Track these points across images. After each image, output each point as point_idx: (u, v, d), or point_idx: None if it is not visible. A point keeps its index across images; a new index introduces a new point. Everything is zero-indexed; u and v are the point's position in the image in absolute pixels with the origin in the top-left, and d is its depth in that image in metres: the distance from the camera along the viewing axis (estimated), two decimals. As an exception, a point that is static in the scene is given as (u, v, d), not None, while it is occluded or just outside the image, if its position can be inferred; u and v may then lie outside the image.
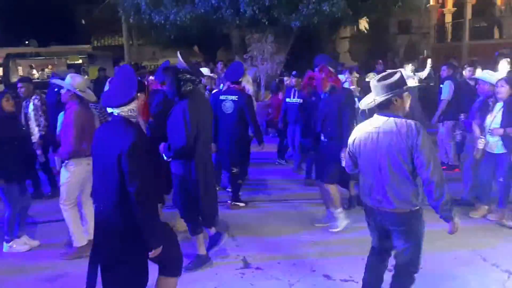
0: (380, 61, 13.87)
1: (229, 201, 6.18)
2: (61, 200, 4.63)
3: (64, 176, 4.58)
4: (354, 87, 6.06)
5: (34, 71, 22.39)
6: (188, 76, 4.05)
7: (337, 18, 11.78)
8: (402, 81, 3.19)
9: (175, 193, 4.35)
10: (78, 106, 4.51)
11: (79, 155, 4.48)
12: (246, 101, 5.81)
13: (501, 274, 4.20)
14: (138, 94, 2.86)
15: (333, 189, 5.26)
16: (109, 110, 2.90)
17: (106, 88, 5.47)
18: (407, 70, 9.93)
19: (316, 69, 5.24)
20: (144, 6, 12.21)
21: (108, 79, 6.77)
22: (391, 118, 3.12)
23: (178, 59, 4.21)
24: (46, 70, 23.01)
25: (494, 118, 5.24)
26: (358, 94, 5.97)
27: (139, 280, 3.00)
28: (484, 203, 5.59)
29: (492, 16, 19.33)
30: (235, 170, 6.01)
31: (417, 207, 3.14)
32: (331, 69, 5.16)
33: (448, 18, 21.45)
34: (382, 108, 3.19)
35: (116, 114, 2.87)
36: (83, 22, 27.71)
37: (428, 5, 22.00)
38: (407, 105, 3.23)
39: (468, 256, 4.55)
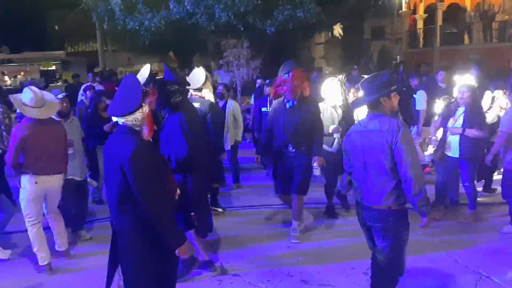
0: (356, 66, 14.08)
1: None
2: (24, 215, 4.49)
3: (20, 192, 4.44)
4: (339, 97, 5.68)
5: (6, 78, 21.96)
6: (176, 87, 4.04)
7: (311, 24, 11.92)
8: (389, 81, 3.29)
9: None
10: (29, 120, 4.34)
11: (25, 172, 4.33)
12: (209, 108, 5.67)
13: (473, 275, 4.29)
14: (143, 104, 2.83)
15: (301, 201, 5.20)
16: (114, 119, 2.90)
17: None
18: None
19: (287, 75, 4.97)
20: (118, 12, 12.13)
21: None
22: (377, 118, 3.23)
23: (165, 70, 4.20)
24: (19, 76, 22.61)
25: (456, 122, 5.44)
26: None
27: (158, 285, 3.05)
28: (440, 203, 5.78)
29: (462, 22, 19.80)
30: None
31: (398, 206, 3.20)
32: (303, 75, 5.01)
33: (420, 24, 21.89)
34: (371, 108, 3.28)
35: (121, 124, 2.87)
36: (57, 28, 27.28)
37: (401, 11, 22.42)
38: (395, 104, 3.31)
39: (441, 258, 4.62)
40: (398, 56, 23.87)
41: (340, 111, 5.59)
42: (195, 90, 5.77)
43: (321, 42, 28.94)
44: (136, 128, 2.86)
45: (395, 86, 3.30)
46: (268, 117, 5.39)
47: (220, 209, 6.15)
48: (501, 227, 5.35)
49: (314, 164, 4.99)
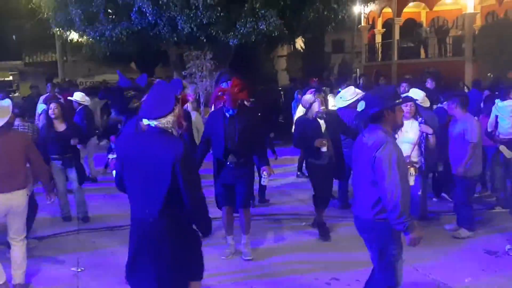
0: (314, 79, 14.34)
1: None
2: None
3: None
4: (323, 108, 5.39)
5: (-40, 88, 21.14)
6: (133, 92, 4.05)
7: (274, 36, 12.08)
8: (394, 94, 3.31)
9: None
10: None
11: None
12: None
13: (432, 284, 4.46)
14: (175, 107, 2.94)
15: (249, 214, 5.10)
16: (146, 122, 2.96)
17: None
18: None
19: (226, 84, 4.79)
20: (78, 22, 11.94)
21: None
22: (374, 131, 3.24)
23: (119, 77, 4.19)
24: (-26, 87, 21.82)
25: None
26: (324, 116, 5.47)
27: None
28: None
29: (418, 37, 20.52)
30: None
31: (382, 218, 3.19)
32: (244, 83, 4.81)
33: (378, 39, 22.54)
34: (373, 120, 3.26)
35: (153, 126, 2.92)
36: (14, 38, 26.53)
37: (360, 26, 23.03)
38: (399, 119, 3.32)
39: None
40: (358, 69, 24.47)
41: (323, 122, 5.44)
42: None
43: (284, 54, 29.35)
44: (168, 130, 2.95)
45: (399, 100, 3.31)
46: (205, 129, 5.28)
47: None
48: (453, 231, 5.60)
49: (264, 173, 4.98)
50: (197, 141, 7.02)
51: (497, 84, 10.39)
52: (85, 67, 23.80)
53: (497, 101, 6.84)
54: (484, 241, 5.51)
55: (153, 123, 2.91)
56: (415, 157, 5.54)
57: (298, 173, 8.81)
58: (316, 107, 5.36)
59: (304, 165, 7.93)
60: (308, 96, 5.48)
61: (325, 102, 5.49)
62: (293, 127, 6.10)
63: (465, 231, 5.63)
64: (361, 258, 3.86)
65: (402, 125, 3.39)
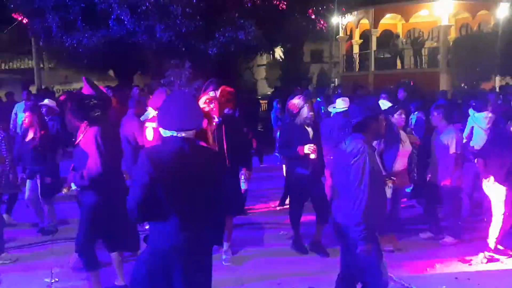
0: (299, 88, 14.46)
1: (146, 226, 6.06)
2: None
3: None
4: (312, 114, 5.31)
5: None
6: (95, 101, 4.01)
7: (253, 46, 12.15)
8: (377, 105, 3.42)
9: (81, 223, 4.16)
10: None
11: None
12: None
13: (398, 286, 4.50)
14: None
15: (231, 221, 5.13)
16: (169, 133, 2.78)
17: None
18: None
19: (213, 93, 4.86)
20: (55, 29, 11.80)
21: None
22: (354, 139, 3.33)
23: (84, 85, 4.15)
24: None
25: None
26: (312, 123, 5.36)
27: None
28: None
29: (395, 48, 20.89)
30: None
31: (359, 226, 3.23)
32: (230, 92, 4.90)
33: (356, 49, 22.85)
34: (355, 129, 3.37)
35: (180, 136, 2.77)
36: (-12, 43, 26.03)
37: (338, 36, 23.32)
38: (382, 129, 3.41)
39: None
40: (336, 79, 24.74)
41: (310, 129, 5.32)
42: (154, 108, 5.84)
43: (263, 64, 29.52)
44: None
45: (382, 110, 3.45)
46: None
47: None
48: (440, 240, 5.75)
49: (242, 178, 5.04)
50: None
51: (471, 94, 10.67)
52: (62, 74, 23.47)
53: (472, 112, 6.98)
54: (458, 249, 5.61)
55: (181, 134, 2.77)
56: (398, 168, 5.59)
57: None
58: (305, 112, 5.22)
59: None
60: (297, 101, 5.31)
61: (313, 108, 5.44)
62: (278, 133, 6.20)
63: (451, 238, 5.79)
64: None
65: (383, 135, 3.49)
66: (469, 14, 20.45)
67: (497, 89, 14.95)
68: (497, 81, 19.13)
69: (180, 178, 2.72)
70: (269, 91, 25.53)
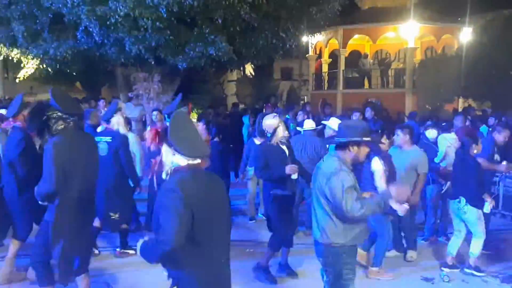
0: (269, 104, 14.53)
1: (117, 249, 5.91)
2: None
3: None
4: (286, 133, 5.26)
5: None
6: (59, 114, 3.88)
7: (223, 62, 12.16)
8: (364, 131, 3.40)
9: (38, 237, 4.02)
10: None
11: None
12: (121, 142, 5.58)
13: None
14: None
15: None
16: (185, 161, 2.69)
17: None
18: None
19: (185, 108, 4.97)
20: (21, 39, 11.51)
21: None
22: (331, 157, 3.38)
23: (50, 97, 4.03)
24: None
25: None
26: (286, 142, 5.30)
27: None
28: None
29: (363, 67, 21.33)
30: (114, 215, 5.64)
31: (337, 244, 3.31)
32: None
33: (325, 68, 23.22)
34: (337, 148, 3.41)
35: (196, 163, 2.71)
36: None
37: (307, 55, 23.66)
38: (361, 156, 3.41)
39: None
40: (305, 96, 25.04)
41: (285, 147, 5.24)
42: (104, 121, 5.71)
43: (234, 79, 29.63)
44: None
45: (368, 138, 3.41)
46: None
47: (131, 251, 5.77)
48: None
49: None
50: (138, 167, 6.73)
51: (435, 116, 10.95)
52: (27, 85, 22.92)
53: (445, 135, 7.13)
54: (420, 268, 5.68)
55: (197, 160, 2.70)
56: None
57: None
58: (281, 132, 5.17)
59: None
60: (272, 121, 5.24)
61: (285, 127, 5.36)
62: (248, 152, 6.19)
63: (414, 252, 5.94)
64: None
65: (362, 161, 3.54)
66: (434, 38, 21.12)
67: (459, 111, 15.40)
68: (460, 103, 19.77)
69: (208, 208, 2.67)
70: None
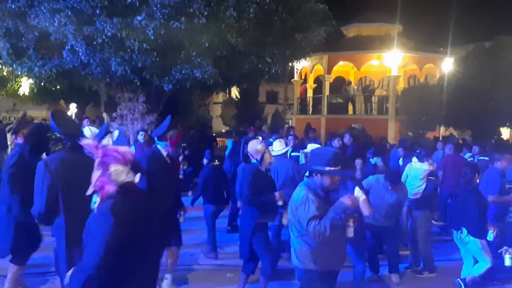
0: (252, 127, 14.61)
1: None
2: None
3: None
4: (273, 158, 5.17)
5: None
6: (57, 135, 3.87)
7: (209, 84, 12.22)
8: (333, 160, 3.41)
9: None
10: None
11: None
12: None
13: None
14: None
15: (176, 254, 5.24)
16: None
17: None
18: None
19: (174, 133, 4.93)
20: (5, 56, 11.44)
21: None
22: (303, 185, 3.46)
23: (50, 119, 4.03)
24: None
25: None
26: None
27: None
28: None
29: (347, 93, 21.62)
30: None
31: (310, 269, 3.36)
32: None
33: (310, 93, 23.48)
34: (308, 175, 3.53)
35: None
36: None
37: (293, 80, 23.92)
38: (327, 184, 3.44)
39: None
40: (290, 120, 25.22)
41: (269, 174, 5.15)
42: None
43: (219, 101, 29.77)
44: None
45: (336, 168, 3.40)
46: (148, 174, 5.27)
47: None
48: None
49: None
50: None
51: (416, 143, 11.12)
52: (10, 102, 22.74)
53: (414, 160, 7.23)
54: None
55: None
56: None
57: (229, 228, 8.46)
58: (268, 157, 5.05)
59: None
60: (259, 146, 5.12)
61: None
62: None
63: (397, 275, 6.05)
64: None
65: (331, 189, 3.54)
66: (417, 66, 21.58)
67: (440, 139, 15.67)
68: (442, 131, 20.10)
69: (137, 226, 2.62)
70: (223, 129, 25.66)
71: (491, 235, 5.46)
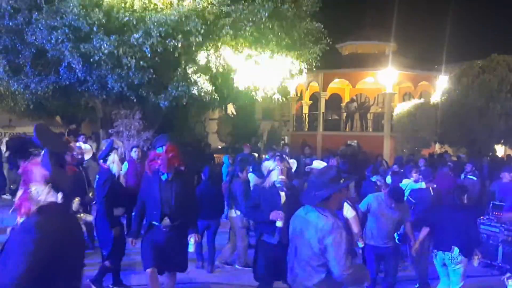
0: (248, 144, 14.63)
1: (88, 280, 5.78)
2: None
3: None
4: (283, 177, 4.86)
5: None
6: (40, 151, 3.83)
7: (205, 101, 12.29)
8: (338, 176, 3.38)
9: None
10: None
11: None
12: (105, 180, 5.66)
13: None
14: None
15: (174, 279, 5.13)
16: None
17: None
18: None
19: (161, 149, 4.91)
20: (1, 72, 11.47)
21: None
22: (317, 211, 3.30)
23: (34, 132, 3.99)
24: None
25: None
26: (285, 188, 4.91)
27: None
28: None
29: (348, 111, 21.73)
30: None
31: None
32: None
33: (306, 110, 23.59)
34: (321, 203, 3.32)
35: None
36: None
37: (289, 96, 24.01)
38: (343, 197, 3.47)
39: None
40: (286, 137, 25.26)
41: (283, 194, 4.87)
42: (101, 159, 5.76)
43: (215, 118, 29.79)
44: None
45: (343, 179, 3.39)
46: (140, 192, 5.22)
47: None
48: None
49: (191, 240, 4.92)
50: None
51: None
52: (5, 118, 22.68)
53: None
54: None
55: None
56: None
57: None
58: (274, 175, 4.88)
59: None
60: (268, 163, 5.12)
61: (288, 172, 5.01)
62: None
63: None
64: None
65: (342, 206, 3.53)
66: (411, 84, 21.74)
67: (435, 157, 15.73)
68: (437, 148, 20.18)
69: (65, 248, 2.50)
70: (220, 145, 25.64)
71: (476, 261, 5.42)
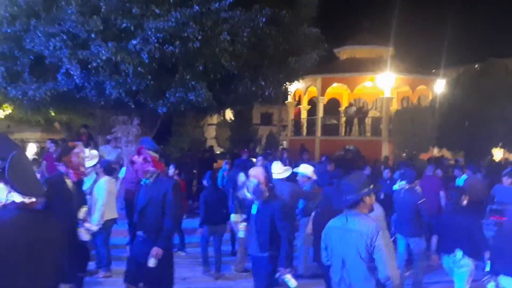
0: (246, 150, 14.64)
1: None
2: None
3: None
4: (247, 194, 4.82)
5: None
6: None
7: (203, 107, 12.28)
8: (369, 181, 3.47)
9: None
10: None
11: None
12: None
13: None
14: None
15: None
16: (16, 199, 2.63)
17: None
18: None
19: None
20: (0, 79, 11.47)
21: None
22: (356, 217, 3.36)
23: None
24: None
25: None
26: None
27: None
28: None
29: (347, 115, 21.76)
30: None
31: None
32: (152, 153, 4.48)
33: (304, 115, 23.61)
34: (351, 206, 3.42)
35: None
36: None
37: (287, 101, 24.07)
38: (373, 202, 3.49)
39: None
40: (284, 142, 25.28)
41: None
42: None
43: (213, 123, 29.84)
44: None
45: (372, 186, 3.49)
46: (135, 197, 4.93)
47: None
48: None
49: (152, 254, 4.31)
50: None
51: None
52: (3, 124, 22.68)
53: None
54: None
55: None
56: None
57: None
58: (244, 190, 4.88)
59: None
60: (251, 171, 5.01)
61: (266, 179, 4.88)
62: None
63: None
64: None
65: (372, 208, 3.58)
66: (409, 88, 21.80)
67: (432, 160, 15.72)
68: (435, 152, 20.21)
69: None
70: (218, 150, 25.66)
71: (489, 266, 5.05)
